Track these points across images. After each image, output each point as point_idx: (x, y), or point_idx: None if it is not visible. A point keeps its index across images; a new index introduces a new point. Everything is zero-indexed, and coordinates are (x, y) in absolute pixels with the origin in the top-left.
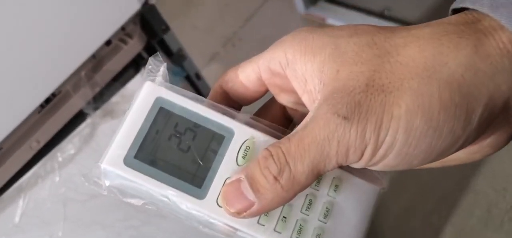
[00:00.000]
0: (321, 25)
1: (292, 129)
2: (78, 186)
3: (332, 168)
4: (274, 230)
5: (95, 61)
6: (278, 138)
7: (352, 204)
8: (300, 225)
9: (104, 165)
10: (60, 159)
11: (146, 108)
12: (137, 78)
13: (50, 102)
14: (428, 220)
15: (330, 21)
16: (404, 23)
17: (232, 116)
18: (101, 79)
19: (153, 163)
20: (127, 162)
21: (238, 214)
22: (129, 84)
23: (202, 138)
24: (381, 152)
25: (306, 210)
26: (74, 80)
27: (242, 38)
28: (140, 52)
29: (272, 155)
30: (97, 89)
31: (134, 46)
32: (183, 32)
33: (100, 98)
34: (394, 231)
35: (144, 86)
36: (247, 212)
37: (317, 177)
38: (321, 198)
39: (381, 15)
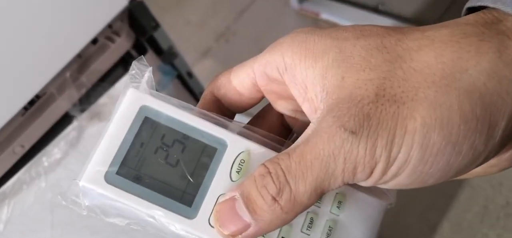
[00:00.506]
0: (315, 20)
1: (292, 140)
2: (65, 191)
3: (338, 187)
4: None
5: (81, 61)
6: (276, 149)
7: (357, 222)
8: None
9: (83, 183)
10: (46, 163)
11: (129, 119)
12: (126, 78)
13: (34, 105)
14: (424, 216)
15: (324, 16)
16: (398, 17)
17: (224, 126)
18: (87, 80)
19: (137, 179)
20: (108, 179)
21: (233, 236)
22: (117, 84)
23: (192, 150)
24: (393, 169)
25: (307, 229)
26: (59, 82)
27: (236, 33)
28: (128, 51)
29: (270, 173)
30: (84, 90)
31: (122, 44)
32: (175, 27)
33: (87, 100)
34: (391, 228)
35: (127, 93)
36: (242, 234)
37: (321, 196)
38: (323, 215)
39: (375, 10)
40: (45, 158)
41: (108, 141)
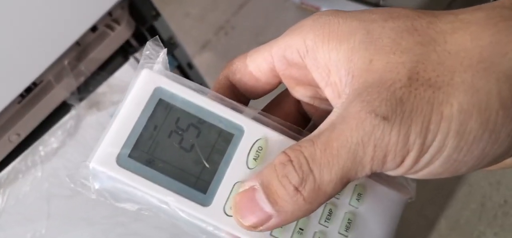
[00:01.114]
0: None
1: (308, 129)
2: (62, 181)
3: (365, 175)
4: None
5: (80, 48)
6: (294, 138)
7: (377, 215)
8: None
9: (93, 165)
10: (42, 152)
11: (143, 100)
12: (125, 67)
13: (31, 92)
14: (422, 212)
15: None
16: None
17: (240, 112)
18: (86, 68)
19: (150, 163)
20: (120, 162)
21: (254, 227)
22: (117, 73)
23: (207, 135)
24: (426, 158)
25: (325, 221)
26: (57, 69)
27: (235, 26)
28: (128, 40)
29: (291, 161)
30: (82, 79)
31: (122, 33)
32: (175, 19)
33: (85, 88)
34: None
35: (141, 74)
36: (264, 225)
37: (345, 186)
38: (342, 207)
39: (376, 5)
40: (41, 147)
41: (120, 122)
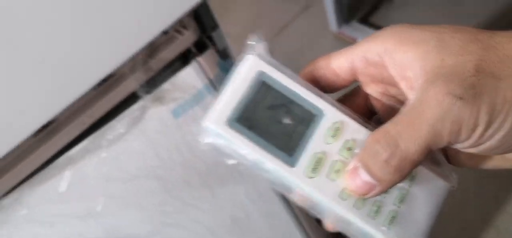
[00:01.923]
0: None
1: (375, 122)
2: (121, 165)
3: (442, 146)
4: (353, 206)
5: (152, 47)
6: (363, 125)
7: (425, 196)
8: (378, 205)
9: (207, 123)
10: (109, 136)
11: (248, 79)
12: (188, 69)
13: (107, 81)
14: None
15: None
16: None
17: (323, 99)
18: (154, 65)
19: (251, 128)
20: (229, 123)
21: (364, 195)
22: (180, 74)
23: (296, 113)
24: (489, 132)
25: (383, 195)
26: (131, 63)
27: (272, 50)
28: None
29: (379, 141)
30: (151, 74)
31: (188, 37)
32: None
33: (153, 83)
34: None
35: (247, 58)
36: (371, 192)
37: (427, 156)
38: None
39: None
40: (109, 131)
41: (229, 93)
